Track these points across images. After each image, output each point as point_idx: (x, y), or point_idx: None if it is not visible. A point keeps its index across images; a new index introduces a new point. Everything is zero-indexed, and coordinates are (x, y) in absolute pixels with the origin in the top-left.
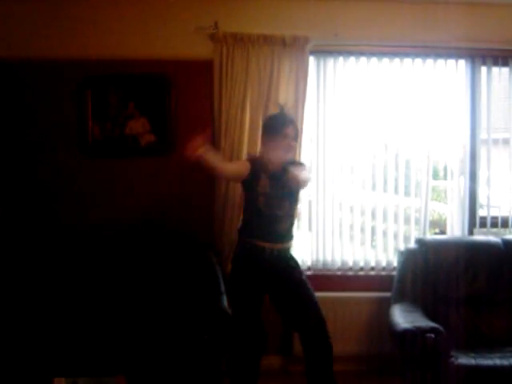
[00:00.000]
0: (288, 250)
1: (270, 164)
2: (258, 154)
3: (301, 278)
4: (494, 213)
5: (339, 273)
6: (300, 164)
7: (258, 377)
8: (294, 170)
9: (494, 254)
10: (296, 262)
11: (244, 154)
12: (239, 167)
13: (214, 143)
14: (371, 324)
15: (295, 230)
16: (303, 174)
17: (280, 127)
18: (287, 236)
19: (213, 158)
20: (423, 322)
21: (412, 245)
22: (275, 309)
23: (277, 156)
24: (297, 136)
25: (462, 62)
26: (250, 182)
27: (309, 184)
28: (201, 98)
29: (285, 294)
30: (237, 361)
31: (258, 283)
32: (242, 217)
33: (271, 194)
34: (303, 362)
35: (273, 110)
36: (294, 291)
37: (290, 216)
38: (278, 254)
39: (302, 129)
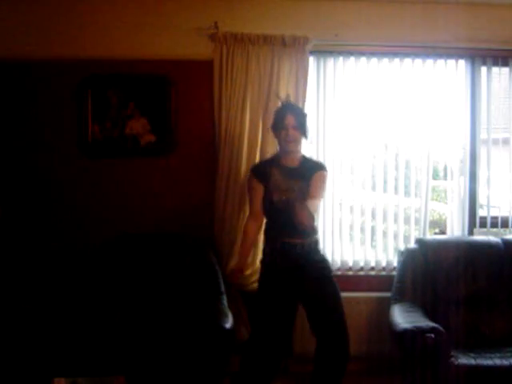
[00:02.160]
0: (311, 245)
1: (282, 159)
2: (269, 156)
3: (329, 276)
4: (493, 213)
5: (339, 273)
6: (321, 167)
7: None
8: (300, 211)
9: (494, 254)
10: (324, 260)
11: (244, 154)
12: (256, 199)
13: (214, 144)
14: (371, 324)
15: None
16: (309, 210)
17: (280, 120)
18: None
19: (245, 253)
20: (423, 322)
21: (412, 245)
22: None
23: (281, 149)
24: (301, 124)
25: (462, 62)
26: (266, 187)
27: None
28: (201, 98)
29: (308, 293)
30: (254, 363)
31: (283, 284)
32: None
33: (284, 185)
34: (304, 363)
35: (273, 110)
36: (318, 292)
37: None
38: (302, 250)
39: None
